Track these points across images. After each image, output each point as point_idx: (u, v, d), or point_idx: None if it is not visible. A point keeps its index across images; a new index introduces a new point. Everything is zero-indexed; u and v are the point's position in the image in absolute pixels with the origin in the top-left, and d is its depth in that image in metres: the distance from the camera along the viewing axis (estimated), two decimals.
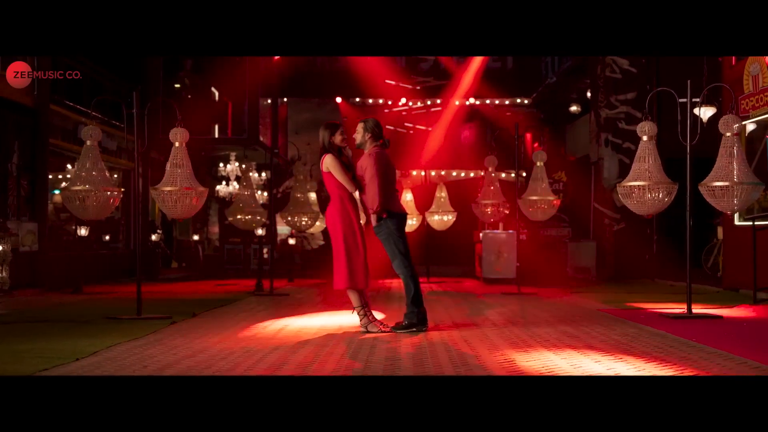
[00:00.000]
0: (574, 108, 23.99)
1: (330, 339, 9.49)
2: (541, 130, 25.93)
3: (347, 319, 11.23)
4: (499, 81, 27.93)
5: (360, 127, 10.31)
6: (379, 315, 11.15)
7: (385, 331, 9.98)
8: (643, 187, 11.62)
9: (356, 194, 10.14)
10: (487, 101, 27.96)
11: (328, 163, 10.02)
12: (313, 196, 19.48)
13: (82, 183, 11.98)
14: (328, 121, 10.46)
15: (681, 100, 11.99)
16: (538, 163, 16.57)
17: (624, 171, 20.64)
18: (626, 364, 7.39)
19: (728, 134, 11.30)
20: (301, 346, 8.82)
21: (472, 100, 27.94)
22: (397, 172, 10.53)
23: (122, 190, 12.74)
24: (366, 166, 10.08)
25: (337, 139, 10.13)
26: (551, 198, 16.54)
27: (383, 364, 7.58)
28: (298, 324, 11.12)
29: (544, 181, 16.54)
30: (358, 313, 10.15)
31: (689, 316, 11.43)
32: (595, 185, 22.48)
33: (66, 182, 16.19)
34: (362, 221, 10.34)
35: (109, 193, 12.16)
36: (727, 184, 11.23)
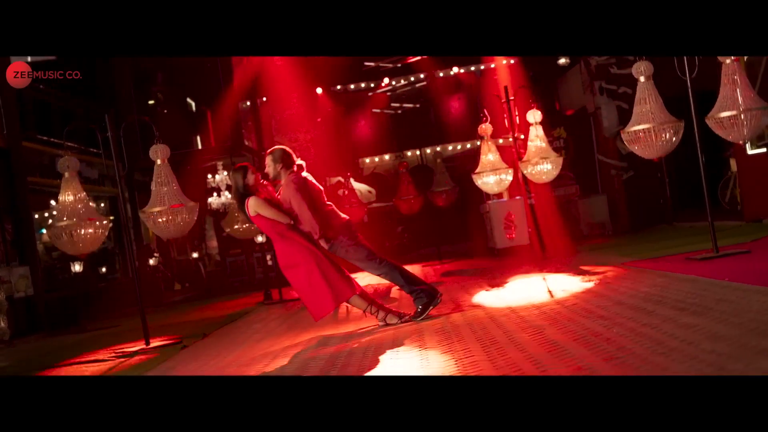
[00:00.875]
0: (562, 60, 23.32)
1: (348, 337, 9.08)
2: (533, 89, 25.39)
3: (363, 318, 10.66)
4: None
5: (269, 159, 9.88)
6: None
7: (406, 321, 9.50)
8: (648, 129, 11.07)
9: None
10: (472, 68, 27.43)
11: (254, 205, 9.47)
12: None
13: (68, 217, 11.51)
14: (235, 166, 9.92)
15: None
16: (534, 123, 15.98)
17: (624, 117, 20.14)
18: (660, 317, 6.88)
19: (728, 61, 10.80)
20: (320, 350, 8.44)
21: (456, 69, 27.41)
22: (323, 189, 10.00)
23: (111, 218, 12.24)
24: (288, 197, 9.62)
25: (250, 179, 9.58)
26: (553, 157, 15.95)
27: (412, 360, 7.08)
28: (314, 327, 10.57)
29: (543, 140, 16.00)
30: (371, 313, 9.65)
31: (716, 255, 10.86)
32: (596, 137, 21.94)
33: (52, 219, 15.71)
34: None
35: (97, 223, 11.67)
36: (734, 113, 10.70)
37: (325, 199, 9.94)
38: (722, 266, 9.86)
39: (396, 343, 8.10)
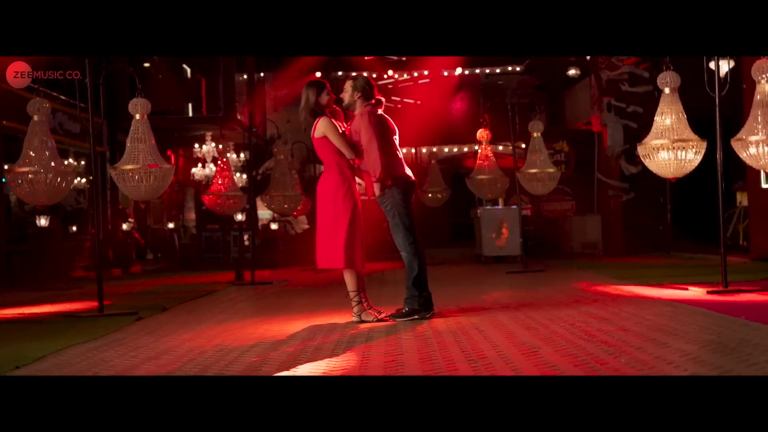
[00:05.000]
0: (572, 71, 22.66)
1: (317, 332, 8.17)
2: (537, 98, 24.81)
3: (337, 309, 9.93)
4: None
5: (348, 85, 9.01)
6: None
7: (382, 320, 8.66)
8: (668, 146, 10.27)
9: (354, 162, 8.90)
10: (477, 70, 26.82)
11: (324, 126, 8.71)
12: (295, 176, 18.16)
13: (30, 164, 10.67)
14: (311, 81, 9.09)
15: None
16: (535, 134, 15.78)
17: (630, 137, 19.49)
18: (680, 352, 6.01)
19: (762, 81, 9.94)
20: (284, 342, 7.55)
21: (460, 70, 26.80)
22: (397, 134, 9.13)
23: (75, 166, 11.37)
24: (360, 128, 8.78)
25: (324, 99, 8.81)
26: (551, 170, 15.44)
27: (383, 360, 6.33)
28: (282, 315, 9.83)
29: (543, 152, 15.71)
30: (352, 299, 8.79)
31: (726, 290, 10.04)
32: (598, 154, 21.23)
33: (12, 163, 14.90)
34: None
35: (60, 175, 10.83)
36: (765, 137, 9.77)
37: (398, 145, 9.11)
38: (734, 302, 9.10)
39: (369, 341, 7.31)
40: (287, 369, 6.09)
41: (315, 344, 7.29)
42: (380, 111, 9.03)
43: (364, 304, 8.80)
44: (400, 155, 9.07)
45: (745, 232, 16.01)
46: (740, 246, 16.24)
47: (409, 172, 8.98)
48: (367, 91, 8.93)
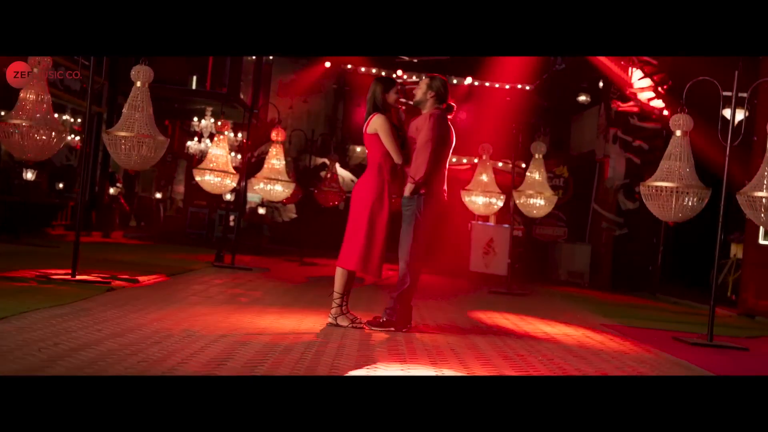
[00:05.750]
0: (582, 98, 22.40)
1: (289, 331, 7.91)
2: (544, 119, 24.55)
3: (314, 308, 9.75)
4: (501, 62, 26.52)
5: (423, 83, 8.80)
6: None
7: (357, 327, 8.43)
8: (672, 189, 10.02)
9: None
10: (486, 83, 26.54)
11: (378, 124, 8.47)
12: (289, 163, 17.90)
13: (23, 116, 10.39)
14: (382, 76, 8.88)
15: (725, 93, 10.36)
16: (537, 155, 15.59)
17: (631, 171, 19.30)
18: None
19: None
20: (253, 337, 7.27)
21: (470, 80, 26.53)
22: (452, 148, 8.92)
23: (71, 124, 11.10)
24: (422, 127, 8.55)
25: (392, 97, 8.59)
26: (548, 194, 15.35)
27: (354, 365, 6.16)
28: (256, 307, 9.55)
29: (543, 175, 15.55)
30: (334, 299, 8.54)
31: (710, 344, 9.80)
32: (597, 185, 20.99)
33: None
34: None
35: (54, 132, 10.56)
36: None
37: (449, 157, 8.86)
38: (718, 359, 8.85)
39: (341, 349, 7.04)
40: (251, 369, 5.83)
41: (285, 345, 7.02)
42: (449, 117, 8.84)
43: (344, 308, 8.55)
44: (445, 171, 8.85)
45: (735, 284, 15.78)
46: (727, 298, 16.03)
47: (445, 189, 8.77)
48: (441, 93, 8.73)
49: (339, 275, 8.56)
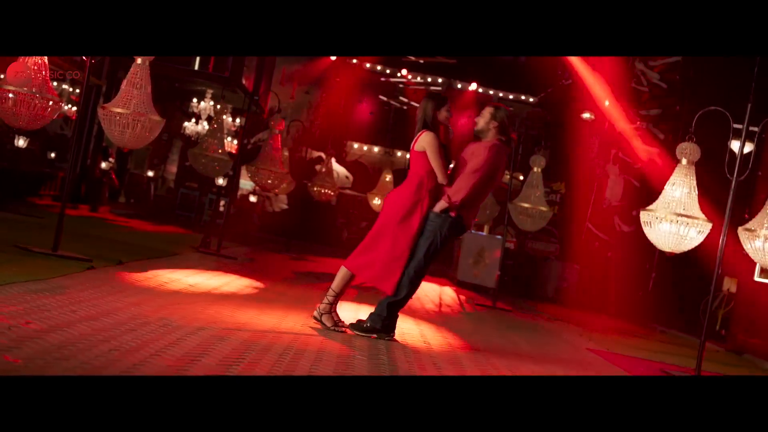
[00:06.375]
0: (586, 114, 22.19)
1: (268, 329, 7.66)
2: (545, 133, 24.35)
3: (298, 305, 9.51)
4: (506, 72, 26.37)
5: (487, 112, 8.63)
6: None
7: (339, 330, 8.22)
8: (672, 219, 9.79)
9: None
10: (491, 92, 26.39)
11: (427, 141, 8.29)
12: (285, 153, 17.63)
13: (20, 84, 10.19)
14: (433, 92, 8.72)
15: (736, 126, 10.13)
16: (536, 169, 15.38)
17: (629, 194, 19.07)
18: None
19: None
20: (231, 333, 7.02)
21: (475, 86, 26.38)
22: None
23: (68, 94, 10.88)
24: (477, 155, 8.39)
25: (443, 115, 8.46)
26: (544, 208, 15.21)
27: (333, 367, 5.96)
28: (237, 300, 9.32)
29: (540, 188, 15.39)
30: (327, 296, 8.35)
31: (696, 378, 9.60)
32: (593, 204, 20.76)
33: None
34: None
35: (51, 102, 10.37)
36: None
37: (491, 191, 8.88)
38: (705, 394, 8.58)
39: (320, 352, 6.80)
40: (226, 368, 5.58)
41: (263, 343, 6.77)
42: (508, 150, 8.77)
43: (333, 306, 8.36)
44: (482, 203, 8.88)
45: (725, 319, 15.58)
46: (716, 332, 15.84)
47: (474, 221, 8.63)
48: (505, 125, 8.59)
49: (342, 275, 8.37)
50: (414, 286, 8.42)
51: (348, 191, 25.57)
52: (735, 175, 9.85)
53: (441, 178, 8.30)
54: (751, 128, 10.18)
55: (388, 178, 19.49)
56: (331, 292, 8.34)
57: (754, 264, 13.19)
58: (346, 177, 26.22)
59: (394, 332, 8.40)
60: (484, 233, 18.43)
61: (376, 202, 19.00)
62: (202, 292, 9.43)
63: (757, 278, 14.29)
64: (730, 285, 15.79)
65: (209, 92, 25.57)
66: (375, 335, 8.23)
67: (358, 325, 8.31)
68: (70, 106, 19.27)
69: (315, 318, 8.29)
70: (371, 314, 8.39)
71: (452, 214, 8.30)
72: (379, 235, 8.34)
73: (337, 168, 24.19)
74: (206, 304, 8.41)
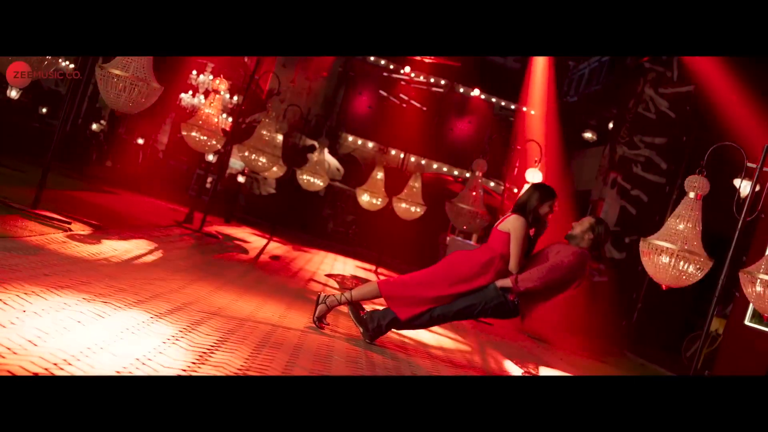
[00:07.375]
0: (588, 135, 21.95)
1: (247, 318, 7.24)
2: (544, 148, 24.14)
3: (277, 294, 9.24)
4: (512, 82, 26.15)
5: (588, 223, 8.41)
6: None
7: (318, 327, 7.93)
8: (673, 252, 9.47)
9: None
10: (493, 99, 26.13)
11: (515, 227, 7.98)
12: (279, 138, 17.30)
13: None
14: (544, 185, 8.42)
15: (749, 165, 9.83)
16: (530, 183, 14.74)
17: (623, 220, 18.77)
18: None
19: None
20: (205, 318, 6.61)
21: (476, 92, 26.12)
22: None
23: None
24: (562, 256, 8.11)
25: (545, 210, 8.18)
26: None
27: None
28: (215, 282, 8.92)
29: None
30: (344, 294, 8.11)
31: None
32: None
33: None
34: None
35: (45, 62, 10.08)
36: None
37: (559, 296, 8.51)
38: None
39: (298, 348, 6.44)
40: (198, 359, 5.19)
41: (239, 333, 6.40)
42: (591, 264, 8.60)
43: (334, 305, 8.10)
44: (541, 305, 8.40)
45: (707, 358, 15.30)
46: (698, 371, 15.59)
47: (525, 313, 8.35)
48: (601, 239, 8.43)
49: (370, 288, 8.20)
50: (425, 326, 8.28)
51: (337, 183, 25.32)
52: (743, 215, 9.54)
53: (513, 266, 7.99)
54: (754, 166, 9.91)
55: (380, 175, 19.13)
56: (348, 294, 8.14)
57: (747, 307, 12.95)
58: (338, 169, 25.94)
59: (375, 340, 8.14)
60: (472, 242, 18.16)
61: (365, 198, 18.67)
62: (179, 270, 9.10)
63: (747, 322, 14.03)
64: (718, 326, 15.54)
65: (209, 66, 25.21)
66: (361, 330, 8.03)
67: (357, 313, 8.10)
68: (68, 63, 18.90)
69: (317, 301, 8.10)
70: (374, 312, 8.16)
71: (511, 297, 8.02)
72: (425, 285, 8.07)
73: (330, 159, 23.89)
74: (183, 283, 8.08)
